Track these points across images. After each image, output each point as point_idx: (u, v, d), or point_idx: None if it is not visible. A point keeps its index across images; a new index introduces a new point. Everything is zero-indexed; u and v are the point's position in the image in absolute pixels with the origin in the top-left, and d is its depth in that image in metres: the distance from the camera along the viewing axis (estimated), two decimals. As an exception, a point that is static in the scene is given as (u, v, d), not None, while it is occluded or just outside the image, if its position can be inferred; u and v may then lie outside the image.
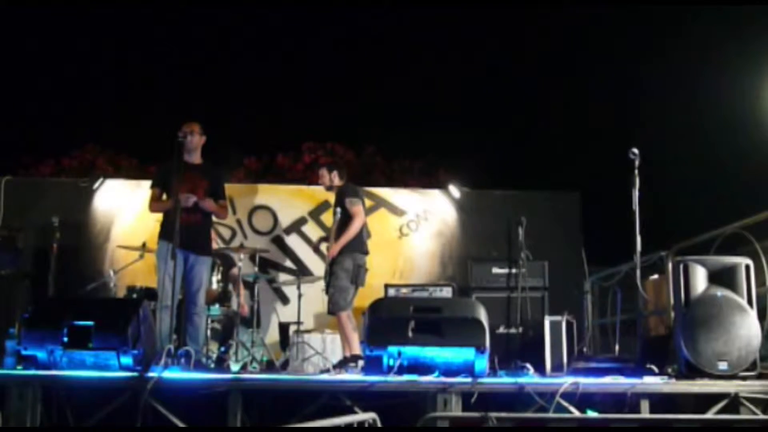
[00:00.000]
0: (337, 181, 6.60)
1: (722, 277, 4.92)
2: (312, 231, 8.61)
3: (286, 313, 8.02)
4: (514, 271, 6.75)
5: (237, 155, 6.75)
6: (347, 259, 6.21)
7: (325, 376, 5.01)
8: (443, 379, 4.41)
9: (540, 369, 5.41)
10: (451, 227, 8.77)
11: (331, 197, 6.80)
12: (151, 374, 4.34)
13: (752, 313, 4.80)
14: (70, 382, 4.39)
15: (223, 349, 6.69)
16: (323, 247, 8.23)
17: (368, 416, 3.92)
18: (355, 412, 4.17)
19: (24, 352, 4.56)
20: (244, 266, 6.87)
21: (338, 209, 6.39)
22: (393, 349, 4.56)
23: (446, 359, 4.57)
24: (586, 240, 8.31)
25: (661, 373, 4.87)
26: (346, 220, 6.32)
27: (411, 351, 4.58)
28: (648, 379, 4.63)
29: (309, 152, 11.00)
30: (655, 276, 6.45)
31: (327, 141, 11.11)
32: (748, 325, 4.77)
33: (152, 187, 5.97)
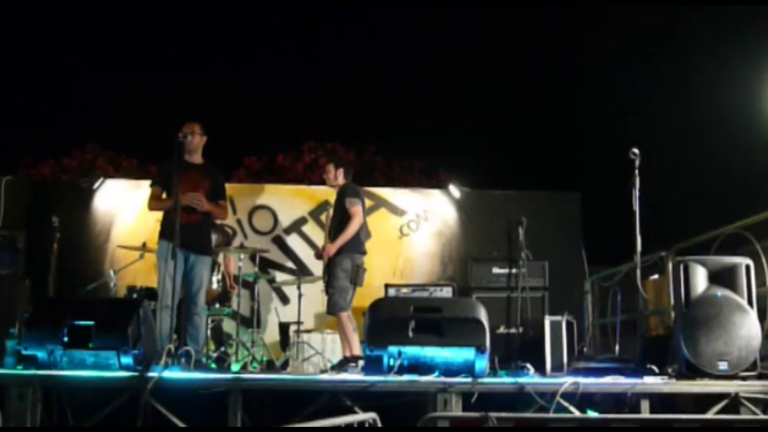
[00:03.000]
0: (341, 179, 6.57)
1: (722, 277, 4.92)
2: (312, 231, 8.61)
3: (286, 313, 8.01)
4: (514, 271, 6.75)
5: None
6: (345, 260, 6.20)
7: (325, 376, 5.01)
8: (443, 379, 4.41)
9: (540, 369, 5.42)
10: (452, 227, 8.77)
11: (331, 197, 6.79)
12: (151, 374, 4.34)
13: (752, 313, 4.80)
14: (70, 382, 4.38)
15: (222, 349, 6.70)
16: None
17: (368, 416, 3.92)
18: (355, 412, 4.17)
19: (24, 352, 4.55)
20: (244, 266, 6.87)
21: (336, 207, 6.37)
22: (393, 349, 4.56)
23: (446, 359, 4.57)
24: (586, 240, 8.31)
25: (661, 373, 4.87)
26: (344, 219, 6.31)
27: (411, 351, 4.58)
28: (648, 379, 4.63)
29: (309, 152, 11.00)
30: (655, 276, 6.46)
31: (327, 141, 11.11)
32: (749, 325, 4.77)
33: (152, 185, 5.97)
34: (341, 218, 6.33)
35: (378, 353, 4.58)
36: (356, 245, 6.30)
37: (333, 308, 6.14)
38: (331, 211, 6.66)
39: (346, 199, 6.35)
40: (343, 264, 6.19)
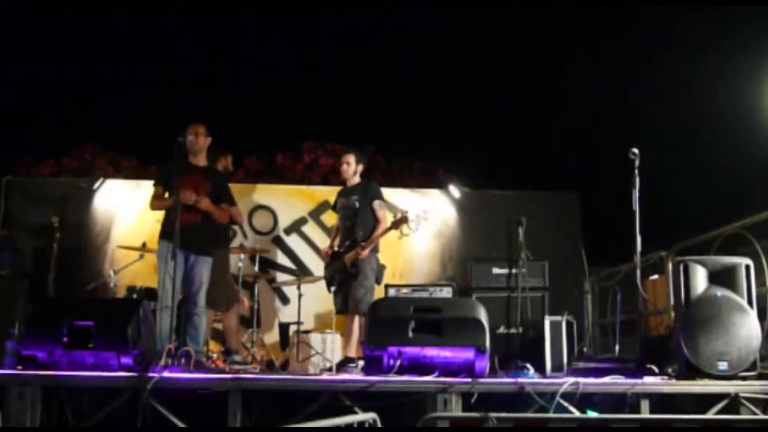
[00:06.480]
0: (357, 177, 6.47)
1: (722, 277, 4.92)
2: (312, 231, 8.62)
3: (286, 313, 8.02)
4: (514, 271, 6.74)
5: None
6: (373, 259, 6.22)
7: (325, 376, 5.01)
8: (443, 379, 4.42)
9: (540, 369, 5.41)
10: (451, 227, 8.77)
11: (331, 197, 6.76)
12: (151, 374, 4.34)
13: (752, 313, 4.81)
14: (70, 382, 4.39)
15: (223, 349, 6.70)
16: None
17: (368, 416, 3.92)
18: (355, 412, 4.18)
19: (24, 352, 4.56)
20: (244, 266, 6.87)
21: (356, 204, 6.29)
22: (393, 349, 4.57)
23: (446, 359, 4.57)
24: (586, 240, 8.30)
25: (661, 373, 4.87)
26: (370, 218, 6.28)
27: (411, 351, 4.58)
28: (648, 379, 4.64)
29: (309, 152, 10.97)
30: (655, 276, 6.45)
31: (327, 141, 11.08)
32: (748, 325, 4.77)
33: (155, 185, 5.98)
34: (366, 217, 6.29)
35: (378, 353, 4.58)
36: (377, 245, 6.32)
37: (361, 306, 5.99)
38: (341, 206, 6.48)
39: (376, 201, 6.33)
40: (372, 263, 6.20)
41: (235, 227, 8.03)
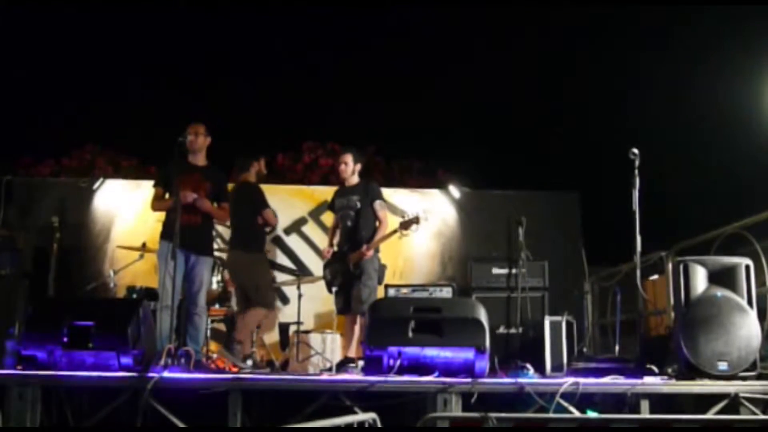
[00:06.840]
0: (356, 176, 6.45)
1: (722, 277, 4.92)
2: (312, 231, 8.62)
3: (286, 313, 8.02)
4: (514, 271, 6.74)
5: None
6: (375, 259, 6.22)
7: (325, 376, 5.01)
8: (443, 379, 4.41)
9: (540, 369, 5.42)
10: (451, 227, 8.77)
11: (330, 197, 6.75)
12: (151, 374, 4.34)
13: (752, 314, 4.80)
14: (70, 382, 4.39)
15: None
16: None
17: (368, 416, 3.92)
18: (355, 412, 4.17)
19: (24, 352, 4.55)
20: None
21: (357, 204, 6.27)
22: (393, 349, 4.56)
23: (446, 359, 4.57)
24: (586, 240, 8.30)
25: (661, 373, 4.87)
26: (371, 218, 6.27)
27: (411, 351, 4.58)
28: (648, 379, 4.63)
29: (309, 152, 10.98)
30: (655, 276, 6.45)
31: (327, 141, 11.09)
32: (748, 326, 4.77)
33: (155, 186, 5.98)
34: (368, 216, 6.28)
35: (378, 353, 4.58)
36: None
37: (364, 307, 5.91)
38: (340, 206, 6.45)
39: (378, 201, 6.33)
40: (374, 263, 6.21)
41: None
